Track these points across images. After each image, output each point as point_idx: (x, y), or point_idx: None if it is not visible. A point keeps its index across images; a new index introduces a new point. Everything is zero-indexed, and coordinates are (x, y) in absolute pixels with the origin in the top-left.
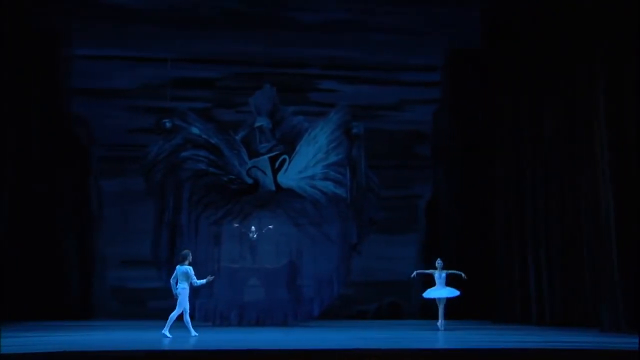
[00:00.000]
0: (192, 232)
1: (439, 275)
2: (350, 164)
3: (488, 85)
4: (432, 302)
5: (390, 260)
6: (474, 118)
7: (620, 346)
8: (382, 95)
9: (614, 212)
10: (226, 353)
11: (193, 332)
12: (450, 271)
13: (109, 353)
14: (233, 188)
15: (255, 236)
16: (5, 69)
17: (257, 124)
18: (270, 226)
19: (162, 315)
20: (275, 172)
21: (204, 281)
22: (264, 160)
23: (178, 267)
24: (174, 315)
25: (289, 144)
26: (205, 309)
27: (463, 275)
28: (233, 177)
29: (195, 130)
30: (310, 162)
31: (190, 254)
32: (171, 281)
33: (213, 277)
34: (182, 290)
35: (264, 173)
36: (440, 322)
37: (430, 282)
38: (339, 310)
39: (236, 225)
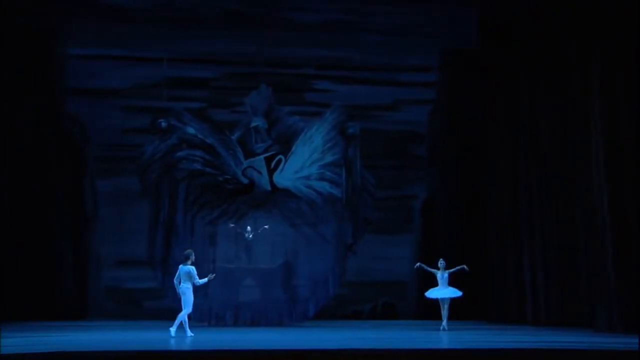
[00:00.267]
0: (187, 232)
1: (442, 275)
2: (345, 164)
3: (484, 86)
4: (429, 302)
5: (386, 261)
6: (469, 118)
7: (614, 346)
8: (377, 96)
9: (609, 213)
10: (221, 353)
11: (189, 333)
12: (452, 270)
13: (105, 353)
14: (229, 188)
15: (250, 236)
16: (0, 67)
17: (252, 124)
18: (265, 226)
19: (157, 316)
20: (271, 172)
21: (205, 280)
22: (259, 161)
23: (181, 266)
24: (182, 315)
25: (284, 144)
26: (201, 309)
27: (465, 267)
28: (229, 177)
29: (190, 130)
30: (306, 162)
31: (193, 253)
32: (174, 281)
33: (214, 274)
34: (187, 290)
35: (260, 173)
36: (444, 323)
37: (432, 282)
38: (334, 311)
39: (232, 225)
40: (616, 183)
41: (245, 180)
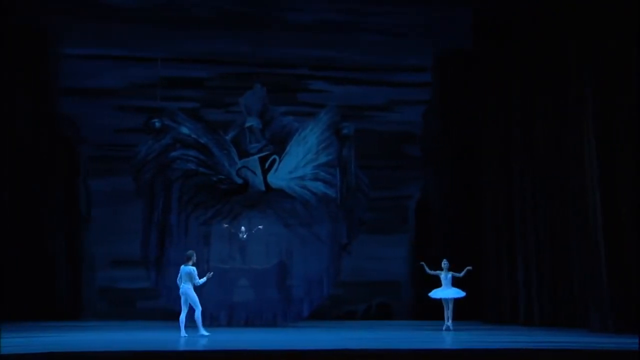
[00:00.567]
0: (181, 232)
1: (445, 276)
2: (340, 164)
3: (478, 87)
4: (424, 302)
5: (380, 261)
6: (464, 119)
7: (609, 346)
8: (372, 96)
9: (602, 213)
10: (216, 353)
11: (183, 333)
12: (459, 274)
13: (103, 354)
14: (223, 188)
15: (245, 236)
16: None
17: (247, 124)
18: (260, 226)
19: (151, 316)
20: (265, 172)
21: (204, 280)
22: (253, 161)
23: (182, 267)
24: (198, 315)
25: (279, 144)
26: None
27: (470, 268)
28: (223, 177)
29: (184, 130)
30: (300, 163)
31: (194, 254)
32: (177, 282)
33: (212, 273)
34: (188, 290)
35: (254, 173)
36: (449, 323)
37: (429, 283)
38: (328, 311)
39: (226, 225)
40: (609, 184)
41: (239, 181)
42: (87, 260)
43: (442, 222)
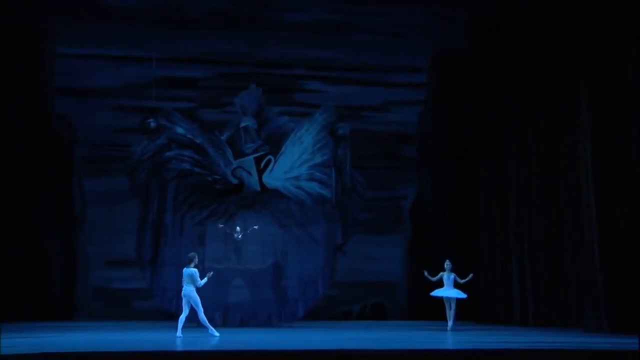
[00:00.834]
0: (176, 232)
1: (448, 276)
2: (335, 164)
3: (474, 87)
4: (419, 303)
5: (376, 261)
6: (459, 120)
7: (603, 346)
8: (367, 96)
9: (596, 214)
10: (210, 354)
11: (179, 333)
12: (463, 280)
13: (99, 354)
14: (218, 188)
15: (240, 237)
16: None
17: (242, 124)
18: (255, 227)
19: (146, 316)
20: (260, 172)
21: (205, 280)
22: (249, 161)
23: (185, 269)
24: (202, 317)
25: (274, 144)
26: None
27: (472, 275)
28: (218, 177)
29: (180, 130)
30: (295, 163)
31: (197, 256)
32: (182, 283)
33: (212, 273)
34: (191, 292)
35: (249, 173)
36: (450, 324)
37: (426, 283)
38: (323, 311)
39: (221, 225)
40: (603, 185)
41: (234, 181)
42: (81, 260)
43: (437, 222)
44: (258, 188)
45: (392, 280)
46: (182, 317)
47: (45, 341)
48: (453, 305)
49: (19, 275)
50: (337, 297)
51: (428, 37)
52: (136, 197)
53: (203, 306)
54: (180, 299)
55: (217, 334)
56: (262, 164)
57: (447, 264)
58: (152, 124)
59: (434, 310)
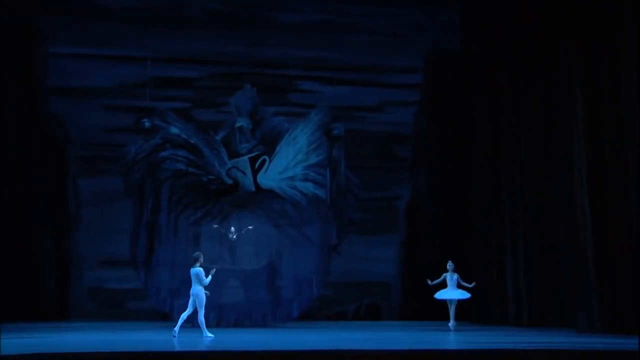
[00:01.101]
0: (171, 232)
1: (451, 277)
2: (330, 165)
3: (468, 88)
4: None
5: (370, 262)
6: (454, 120)
7: (596, 346)
8: (362, 97)
9: (590, 214)
10: (204, 354)
11: (176, 333)
12: (463, 283)
13: (89, 355)
14: (213, 188)
15: (234, 237)
16: None
17: (237, 124)
18: (249, 227)
19: (140, 316)
20: (255, 172)
21: (210, 278)
22: (243, 161)
23: (191, 269)
24: (201, 318)
25: (269, 144)
26: (184, 310)
27: (471, 285)
28: (213, 177)
29: (174, 130)
30: (290, 163)
31: (202, 255)
32: (192, 284)
33: (215, 269)
34: (199, 292)
35: (244, 173)
36: (451, 323)
37: (421, 283)
38: (318, 312)
39: (215, 225)
40: (597, 186)
41: (229, 181)
42: (75, 261)
43: (432, 222)
44: (253, 188)
45: (386, 281)
46: (184, 315)
47: (39, 341)
48: (453, 305)
49: (12, 275)
50: (331, 297)
51: (423, 38)
52: (130, 197)
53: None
54: (174, 299)
55: (211, 335)
56: (257, 164)
57: (450, 265)
58: (147, 124)
59: (429, 311)
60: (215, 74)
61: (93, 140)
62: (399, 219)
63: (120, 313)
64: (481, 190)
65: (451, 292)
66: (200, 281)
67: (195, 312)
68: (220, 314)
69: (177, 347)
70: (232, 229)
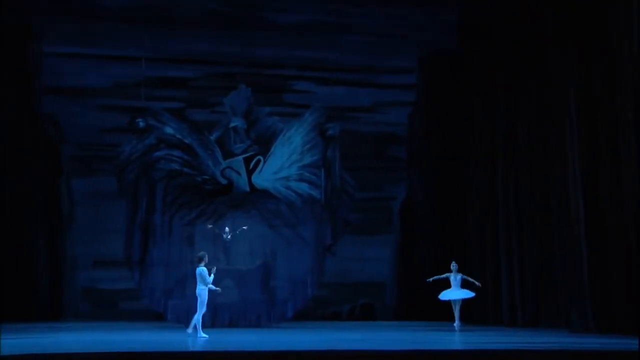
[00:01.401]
0: (165, 232)
1: (454, 277)
2: (325, 165)
3: (463, 88)
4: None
5: (365, 262)
6: (448, 120)
7: (590, 346)
8: (357, 97)
9: (584, 215)
10: (199, 355)
11: (189, 330)
12: (466, 277)
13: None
14: (207, 188)
15: (229, 237)
16: None
17: (231, 125)
18: (244, 227)
19: (134, 317)
20: (249, 172)
21: (212, 277)
22: (238, 161)
23: (196, 269)
24: (197, 318)
25: (263, 144)
26: (178, 310)
27: (477, 283)
28: (207, 177)
29: (169, 130)
30: (285, 163)
31: (206, 255)
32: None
33: (215, 267)
34: (202, 292)
35: (239, 174)
36: (456, 323)
37: (416, 283)
38: (312, 312)
39: (210, 226)
40: (592, 187)
41: (223, 181)
42: (69, 261)
43: (426, 223)
44: (247, 188)
45: (381, 281)
46: (198, 317)
47: (32, 342)
48: (458, 306)
49: (5, 275)
50: (326, 297)
51: (418, 39)
52: (125, 197)
53: (192, 307)
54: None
55: (205, 336)
56: (252, 165)
57: (453, 265)
58: (141, 124)
59: (423, 311)
60: (210, 74)
61: (87, 140)
62: (394, 219)
63: (114, 313)
64: (476, 191)
65: (455, 293)
66: (203, 280)
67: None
68: (214, 314)
69: (171, 347)
70: (227, 229)
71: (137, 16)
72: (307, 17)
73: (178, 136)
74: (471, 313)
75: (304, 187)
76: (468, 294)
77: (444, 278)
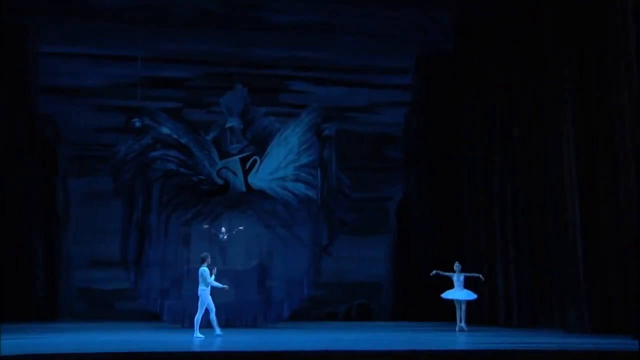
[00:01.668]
0: (161, 232)
1: (457, 277)
2: (321, 165)
3: (459, 89)
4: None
5: (361, 262)
6: (445, 121)
7: (586, 346)
8: (354, 98)
9: (580, 215)
10: (194, 355)
11: (218, 331)
12: (468, 274)
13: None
14: (203, 189)
15: (225, 237)
16: None
17: (228, 125)
18: (240, 227)
19: (129, 317)
20: (246, 173)
21: (213, 277)
22: (234, 161)
23: (199, 270)
24: (198, 317)
25: (260, 145)
26: (174, 310)
27: (481, 277)
28: (203, 177)
29: (165, 130)
30: (281, 164)
31: (209, 256)
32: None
33: (216, 268)
34: (202, 292)
35: (235, 174)
36: (462, 324)
37: (410, 283)
38: (309, 312)
39: (206, 226)
40: (587, 189)
41: (220, 181)
42: (64, 261)
43: (422, 223)
44: (243, 189)
45: (377, 281)
46: (212, 315)
47: (27, 342)
48: (463, 307)
49: (1, 275)
50: (322, 297)
51: (414, 39)
52: (121, 197)
53: (188, 307)
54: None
55: (201, 336)
56: (248, 165)
57: (457, 266)
58: (137, 124)
59: (419, 311)
60: (207, 74)
61: (83, 140)
62: (390, 219)
63: (110, 313)
64: (472, 191)
65: (458, 293)
66: (204, 281)
67: (207, 312)
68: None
69: (167, 348)
70: (223, 229)
71: (134, 16)
72: (303, 17)
73: (174, 136)
74: (467, 313)
75: (300, 188)
76: (470, 295)
77: (447, 277)
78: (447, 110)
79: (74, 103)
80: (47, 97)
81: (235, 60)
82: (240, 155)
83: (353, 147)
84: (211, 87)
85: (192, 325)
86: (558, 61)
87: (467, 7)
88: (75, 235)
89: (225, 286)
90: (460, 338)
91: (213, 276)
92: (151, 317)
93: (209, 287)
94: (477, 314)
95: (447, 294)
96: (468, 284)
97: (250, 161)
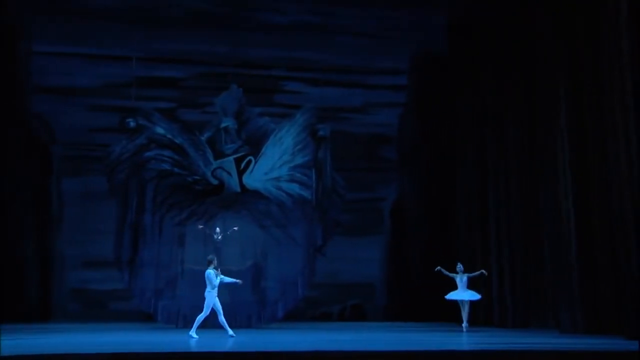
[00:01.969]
0: (155, 233)
1: (460, 279)
2: (316, 166)
3: (453, 90)
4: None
5: (355, 262)
6: (439, 122)
7: (579, 347)
8: (348, 98)
9: (574, 216)
10: (190, 355)
11: (230, 332)
12: (471, 274)
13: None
14: (198, 189)
15: (219, 237)
16: None
17: (222, 125)
18: (235, 227)
19: (123, 317)
20: (240, 173)
21: (218, 279)
22: (229, 161)
23: (205, 272)
24: (200, 318)
25: (254, 145)
26: (169, 311)
27: (484, 272)
28: (198, 177)
29: (159, 130)
30: (276, 164)
31: (215, 258)
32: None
33: (219, 270)
34: (207, 294)
35: (229, 174)
36: (465, 324)
37: (404, 283)
38: (303, 312)
39: (201, 226)
40: (581, 191)
41: (214, 181)
42: (58, 261)
43: (417, 224)
44: (238, 189)
45: (371, 282)
46: (220, 317)
47: (22, 343)
48: (466, 307)
49: None
50: (316, 298)
51: (408, 40)
52: (115, 197)
53: (182, 308)
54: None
55: (195, 336)
56: (242, 165)
57: (459, 267)
58: (132, 124)
59: (413, 311)
60: (201, 74)
61: (77, 140)
62: (384, 220)
63: (104, 314)
64: (466, 192)
65: (461, 294)
66: (210, 283)
67: (213, 314)
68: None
69: (163, 348)
70: (217, 229)
71: (128, 16)
72: (298, 18)
73: (169, 136)
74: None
75: (294, 188)
76: (474, 295)
77: (450, 277)
78: (441, 110)
79: (67, 103)
80: (40, 96)
81: (230, 60)
82: (235, 156)
83: (348, 147)
84: (206, 87)
85: (186, 325)
86: (552, 62)
87: (461, 9)
88: (69, 235)
89: (239, 281)
90: (454, 338)
91: (218, 278)
92: (145, 317)
93: (215, 289)
94: (471, 314)
95: (451, 295)
96: (472, 282)
97: (244, 161)
